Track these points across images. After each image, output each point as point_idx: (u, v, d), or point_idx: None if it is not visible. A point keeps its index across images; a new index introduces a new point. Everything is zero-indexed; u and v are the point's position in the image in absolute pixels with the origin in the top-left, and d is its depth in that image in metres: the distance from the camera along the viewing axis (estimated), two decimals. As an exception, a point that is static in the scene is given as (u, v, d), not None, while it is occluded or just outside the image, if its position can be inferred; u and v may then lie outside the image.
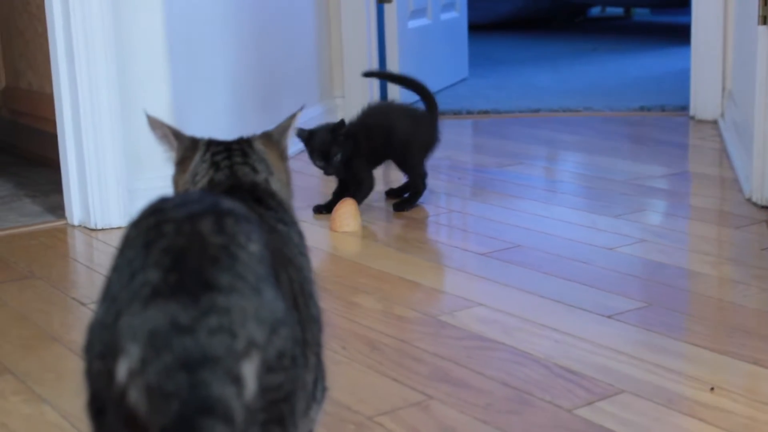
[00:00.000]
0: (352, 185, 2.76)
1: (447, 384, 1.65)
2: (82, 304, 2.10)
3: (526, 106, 4.38)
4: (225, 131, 3.05)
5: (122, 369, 0.80)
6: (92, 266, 2.40)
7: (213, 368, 0.78)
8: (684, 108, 4.09)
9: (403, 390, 1.63)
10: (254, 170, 1.14)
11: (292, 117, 1.22)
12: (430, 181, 2.86)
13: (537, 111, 4.29)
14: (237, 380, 0.79)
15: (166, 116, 2.71)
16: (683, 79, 4.19)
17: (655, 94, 4.59)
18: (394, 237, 2.58)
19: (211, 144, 1.17)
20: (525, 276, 2.18)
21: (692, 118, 3.97)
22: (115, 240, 2.57)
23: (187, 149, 1.17)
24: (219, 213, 0.88)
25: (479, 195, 2.96)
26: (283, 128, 1.22)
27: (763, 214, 2.58)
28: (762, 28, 2.66)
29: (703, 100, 3.94)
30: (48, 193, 3.10)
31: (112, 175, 2.67)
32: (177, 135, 1.18)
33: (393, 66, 4.35)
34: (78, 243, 2.62)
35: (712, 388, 1.59)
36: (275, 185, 1.16)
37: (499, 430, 1.48)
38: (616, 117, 4.16)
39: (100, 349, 0.83)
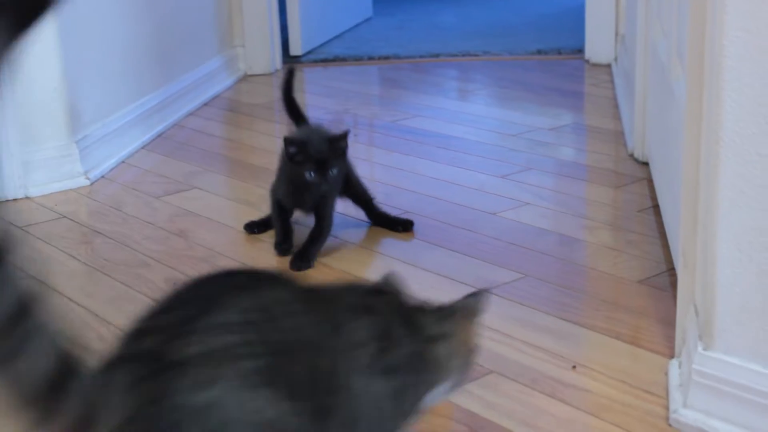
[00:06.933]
0: (317, 222, 2.24)
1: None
2: None
3: (427, 50, 4.43)
4: (120, 95, 3.06)
5: None
6: None
7: None
8: (580, 50, 4.17)
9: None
10: None
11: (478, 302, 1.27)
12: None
13: (437, 56, 4.34)
14: None
15: (58, 90, 2.70)
16: (581, 17, 4.24)
17: (553, 34, 4.67)
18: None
19: None
20: (414, 248, 2.25)
21: (587, 61, 4.05)
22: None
23: None
24: None
25: (375, 153, 3.01)
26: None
27: (643, 171, 2.66)
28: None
29: (597, 43, 4.00)
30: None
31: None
32: None
33: (294, 5, 4.33)
34: None
35: (574, 366, 1.67)
36: None
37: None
38: (514, 61, 4.23)
39: None
